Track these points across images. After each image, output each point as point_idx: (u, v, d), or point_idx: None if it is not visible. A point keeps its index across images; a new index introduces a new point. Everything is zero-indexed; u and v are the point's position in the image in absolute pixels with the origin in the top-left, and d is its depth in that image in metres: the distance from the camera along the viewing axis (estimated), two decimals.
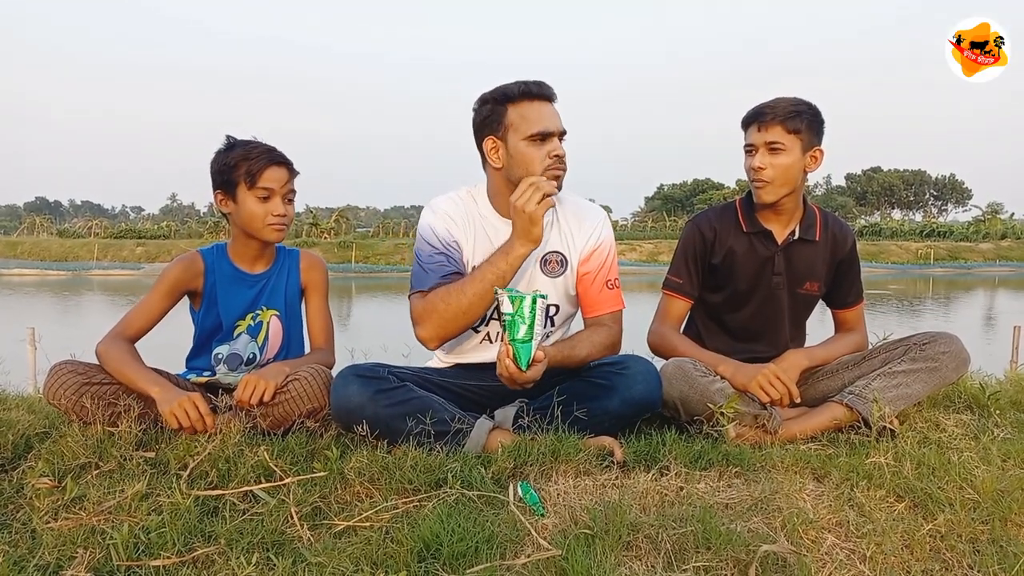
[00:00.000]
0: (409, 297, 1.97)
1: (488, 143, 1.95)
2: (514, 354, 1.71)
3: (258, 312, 2.14)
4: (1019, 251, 35.71)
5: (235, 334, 2.12)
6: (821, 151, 2.10)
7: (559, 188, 1.93)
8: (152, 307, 2.05)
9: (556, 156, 1.89)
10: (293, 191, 2.10)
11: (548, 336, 2.08)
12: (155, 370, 1.96)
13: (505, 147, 1.92)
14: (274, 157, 2.05)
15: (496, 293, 1.75)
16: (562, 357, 1.88)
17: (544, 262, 2.02)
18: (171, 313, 2.11)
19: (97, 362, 1.92)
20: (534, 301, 1.69)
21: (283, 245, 2.22)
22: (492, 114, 1.93)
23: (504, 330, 1.72)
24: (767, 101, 2.09)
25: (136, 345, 2.00)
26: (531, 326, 1.70)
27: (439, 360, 2.14)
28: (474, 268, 1.95)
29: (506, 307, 1.71)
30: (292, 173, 2.09)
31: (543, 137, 1.89)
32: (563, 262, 2.04)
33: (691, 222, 2.29)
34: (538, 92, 1.91)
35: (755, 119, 2.08)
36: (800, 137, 2.04)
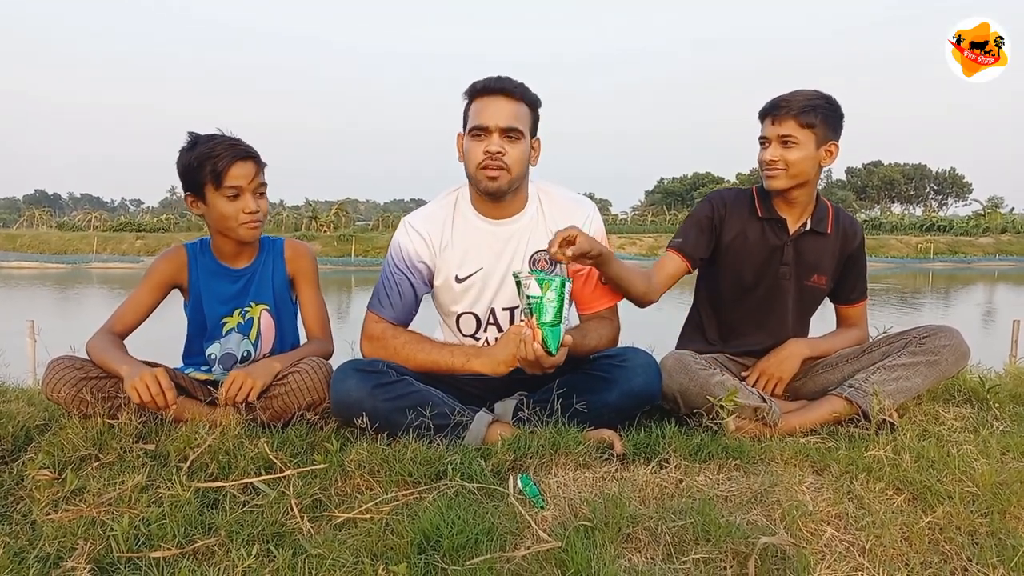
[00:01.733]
0: (367, 307, 2.04)
1: (458, 139, 1.97)
2: (543, 338, 1.70)
3: (247, 308, 2.10)
4: (1019, 245, 35.67)
5: (224, 331, 2.09)
6: (836, 146, 2.09)
7: (496, 190, 1.90)
8: (140, 302, 2.03)
9: (487, 152, 1.87)
10: (263, 184, 2.02)
11: None
12: (147, 363, 1.95)
13: (462, 141, 1.95)
14: (238, 152, 1.94)
15: (518, 276, 1.74)
16: (575, 346, 1.87)
17: (533, 262, 2.01)
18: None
19: None
20: (562, 284, 1.69)
21: (267, 235, 2.17)
22: (465, 110, 1.94)
23: (531, 313, 1.71)
24: (785, 94, 2.07)
25: (136, 340, 1.99)
26: (559, 310, 1.69)
27: None
28: (436, 342, 1.99)
29: (534, 290, 1.69)
30: (260, 166, 2.00)
31: (478, 132, 1.88)
32: (552, 260, 2.01)
33: (706, 196, 2.29)
34: (496, 87, 1.88)
35: (770, 112, 2.07)
36: (815, 132, 2.03)
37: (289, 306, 2.18)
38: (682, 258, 2.17)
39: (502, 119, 1.87)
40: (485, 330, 2.05)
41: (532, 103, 1.94)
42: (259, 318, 2.11)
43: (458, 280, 2.01)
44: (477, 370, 1.88)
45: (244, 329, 2.10)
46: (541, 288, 1.68)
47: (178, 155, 1.98)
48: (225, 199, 1.95)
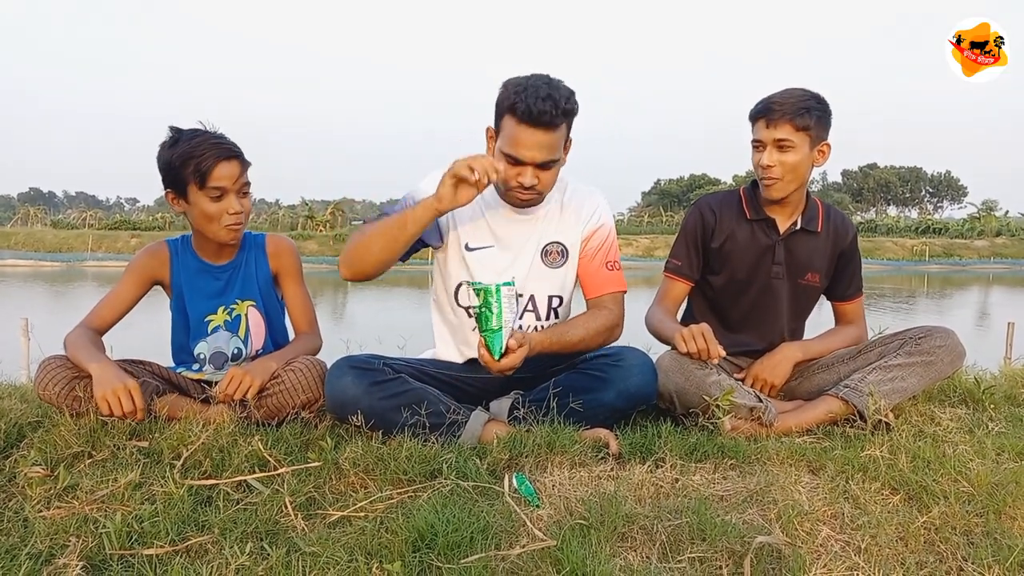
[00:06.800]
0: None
1: (489, 130, 1.93)
2: (487, 344, 1.71)
3: (233, 306, 2.07)
4: (1013, 248, 35.84)
5: (209, 329, 2.06)
6: (828, 145, 2.08)
7: (526, 208, 1.96)
8: (120, 297, 1.99)
9: (519, 183, 1.85)
10: (247, 183, 1.97)
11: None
12: (129, 361, 1.93)
13: (493, 143, 1.91)
14: (223, 152, 1.89)
15: (465, 288, 1.73)
16: (550, 342, 1.87)
17: (544, 253, 2.01)
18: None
19: None
20: (497, 290, 1.68)
21: (249, 231, 2.12)
22: (496, 108, 1.88)
23: (477, 322, 1.72)
24: (775, 94, 2.05)
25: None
26: (499, 315, 1.69)
27: (439, 351, 2.12)
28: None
29: (473, 300, 1.71)
30: (244, 165, 1.95)
31: (513, 161, 1.84)
32: (564, 252, 2.03)
33: (694, 204, 2.29)
34: (539, 122, 1.76)
35: (764, 115, 2.04)
36: (809, 133, 2.02)
37: (276, 302, 2.15)
38: (685, 282, 2.25)
39: (540, 154, 1.81)
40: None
41: (571, 117, 1.85)
42: (246, 315, 2.08)
43: (468, 249, 1.99)
44: (426, 206, 1.74)
45: (232, 326, 2.07)
46: (479, 296, 1.69)
47: (159, 151, 1.93)
48: (209, 199, 1.91)
